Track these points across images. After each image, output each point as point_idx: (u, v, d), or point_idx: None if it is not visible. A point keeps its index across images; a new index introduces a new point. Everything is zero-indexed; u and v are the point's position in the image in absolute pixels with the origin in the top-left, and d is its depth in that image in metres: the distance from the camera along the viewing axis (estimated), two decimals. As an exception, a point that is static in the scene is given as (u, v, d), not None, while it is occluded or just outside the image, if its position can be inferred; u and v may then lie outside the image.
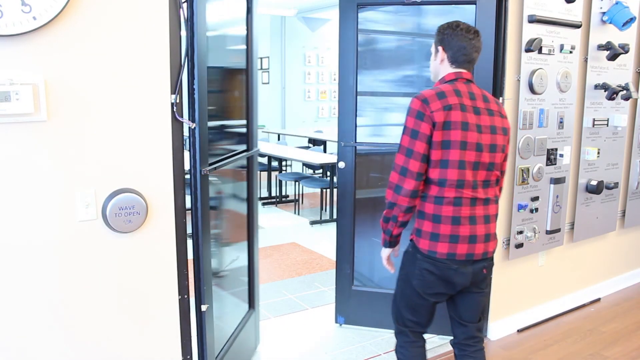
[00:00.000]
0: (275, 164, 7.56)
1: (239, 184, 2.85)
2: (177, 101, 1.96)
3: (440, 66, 2.07)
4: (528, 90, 3.03)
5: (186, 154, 2.07)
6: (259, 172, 7.94)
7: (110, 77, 1.82)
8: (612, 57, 3.39)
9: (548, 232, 3.30)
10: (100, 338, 1.93)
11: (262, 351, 3.07)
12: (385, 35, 3.41)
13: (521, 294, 3.37)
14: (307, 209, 6.86)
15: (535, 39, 2.95)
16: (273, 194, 7.30)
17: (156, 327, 2.05)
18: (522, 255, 3.24)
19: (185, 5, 1.96)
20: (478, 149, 1.94)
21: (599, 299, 3.87)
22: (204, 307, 2.22)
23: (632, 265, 4.16)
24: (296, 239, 5.39)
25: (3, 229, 1.71)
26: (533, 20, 2.93)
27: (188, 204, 2.11)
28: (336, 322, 3.41)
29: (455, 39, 2.00)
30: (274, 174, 7.37)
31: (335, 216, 6.11)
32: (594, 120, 3.47)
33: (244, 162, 2.81)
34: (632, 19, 3.26)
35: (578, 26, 3.17)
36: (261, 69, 10.76)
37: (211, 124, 2.25)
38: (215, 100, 2.45)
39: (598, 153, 3.49)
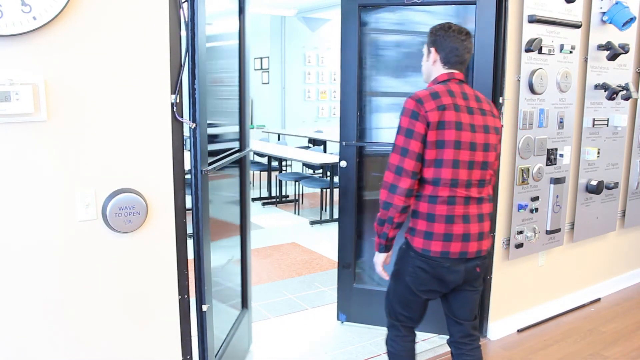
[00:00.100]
0: (275, 164, 7.56)
1: (233, 184, 2.85)
2: (177, 101, 1.97)
3: (432, 67, 2.10)
4: (528, 90, 3.03)
5: (186, 154, 2.07)
6: (259, 172, 7.98)
7: (111, 77, 1.82)
8: (612, 57, 3.39)
9: (548, 232, 3.30)
10: (100, 338, 1.94)
11: (255, 350, 3.07)
12: (388, 35, 3.41)
13: (521, 294, 3.37)
14: (307, 209, 6.86)
15: (535, 39, 2.95)
16: (273, 194, 7.30)
17: (156, 327, 2.06)
18: (522, 255, 3.24)
19: (185, 5, 1.96)
20: (472, 148, 1.97)
21: (599, 299, 3.87)
22: (204, 307, 2.22)
23: (632, 265, 4.16)
24: (296, 239, 5.39)
25: (3, 229, 1.71)
26: (533, 20, 2.93)
27: (187, 204, 2.11)
28: (338, 319, 3.43)
29: (447, 41, 2.03)
30: (274, 174, 7.37)
31: (335, 216, 6.14)
32: (594, 120, 3.47)
33: (237, 161, 2.82)
34: (632, 19, 3.26)
35: (578, 26, 3.17)
36: (261, 69, 10.76)
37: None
38: (210, 100, 2.45)
39: (598, 153, 3.49)
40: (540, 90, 3.06)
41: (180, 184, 2.02)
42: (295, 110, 10.80)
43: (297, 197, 6.92)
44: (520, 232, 3.17)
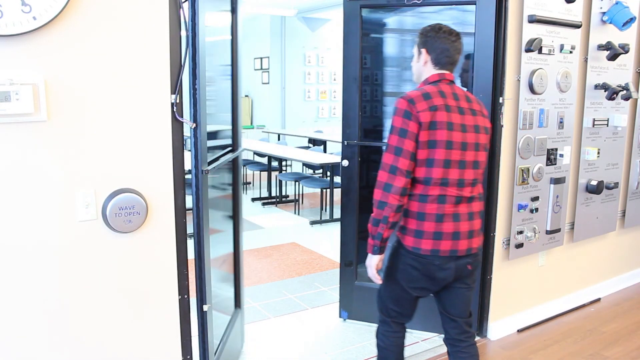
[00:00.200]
0: (275, 164, 7.56)
1: (226, 185, 2.85)
2: (177, 101, 1.97)
3: (423, 68, 2.12)
4: (528, 90, 3.03)
5: (186, 154, 2.07)
6: (259, 172, 7.97)
7: (111, 77, 1.82)
8: (612, 57, 3.39)
9: (548, 232, 3.30)
10: (100, 338, 1.94)
11: (255, 350, 3.07)
12: (390, 35, 3.42)
13: (521, 294, 3.37)
14: (307, 209, 6.86)
15: (535, 39, 2.95)
16: (273, 194, 7.30)
17: (156, 327, 2.06)
18: (522, 255, 3.24)
19: (185, 5, 1.96)
20: (463, 147, 2.00)
21: (599, 299, 3.87)
22: (205, 307, 2.22)
23: (632, 265, 4.16)
24: (296, 239, 5.39)
25: (3, 229, 1.71)
26: (533, 20, 2.93)
27: (187, 204, 2.11)
28: (340, 317, 3.46)
29: (438, 42, 2.06)
30: (274, 174, 7.37)
31: (335, 216, 6.15)
32: (594, 120, 3.47)
33: (230, 161, 2.82)
34: (632, 19, 3.26)
35: (578, 26, 3.17)
36: (261, 69, 10.76)
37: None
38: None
39: (598, 153, 3.49)
40: (540, 90, 3.06)
41: (180, 184, 2.02)
42: (295, 110, 10.80)
43: (297, 197, 6.92)
44: (520, 232, 3.17)
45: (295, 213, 6.59)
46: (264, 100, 10.85)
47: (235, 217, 2.90)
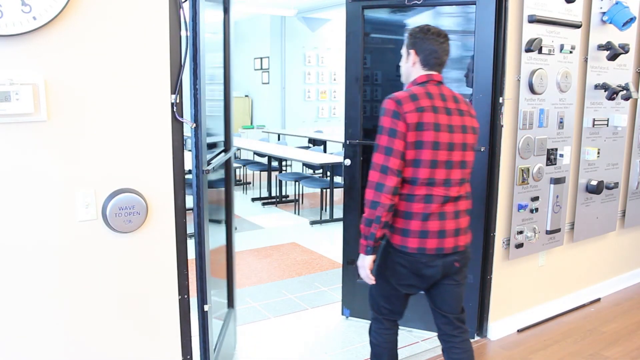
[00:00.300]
0: (275, 164, 7.56)
1: (219, 185, 2.86)
2: (177, 101, 1.97)
3: (412, 69, 2.14)
4: (528, 90, 3.03)
5: (186, 154, 2.07)
6: (259, 172, 7.97)
7: (111, 77, 1.82)
8: (612, 57, 3.39)
9: (548, 232, 3.30)
10: (100, 338, 1.94)
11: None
12: (392, 35, 3.42)
13: (521, 294, 3.37)
14: (307, 209, 6.86)
15: (535, 39, 2.95)
16: (273, 194, 7.30)
17: (156, 327, 2.06)
18: (522, 255, 3.24)
19: (185, 5, 1.96)
20: (450, 148, 2.03)
21: (599, 299, 3.87)
22: (206, 307, 2.21)
23: (632, 265, 4.16)
24: (296, 239, 5.39)
25: (3, 229, 1.71)
26: (533, 20, 2.93)
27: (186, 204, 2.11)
28: (342, 314, 3.49)
29: (427, 43, 2.09)
30: (274, 174, 7.37)
31: (335, 216, 6.15)
32: (594, 120, 3.47)
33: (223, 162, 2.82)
34: (632, 19, 3.26)
35: (578, 26, 3.17)
36: (261, 69, 10.76)
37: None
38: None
39: (598, 153, 3.49)
40: (540, 90, 3.06)
41: (180, 184, 2.02)
42: (295, 110, 10.81)
43: (297, 197, 6.92)
44: (520, 232, 3.17)
45: (295, 213, 6.59)
46: (264, 100, 10.85)
47: (227, 217, 2.90)
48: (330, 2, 9.04)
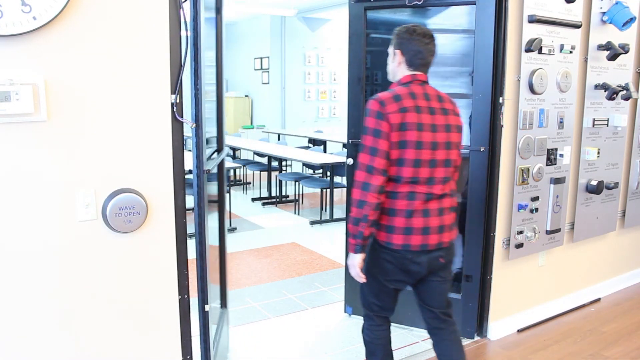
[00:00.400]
0: (275, 164, 7.56)
1: (212, 185, 2.86)
2: (177, 101, 1.97)
3: (397, 68, 2.18)
4: (528, 90, 3.03)
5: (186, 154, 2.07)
6: (259, 172, 7.98)
7: (111, 77, 1.82)
8: (612, 57, 3.39)
9: (548, 232, 3.30)
10: (100, 338, 1.94)
11: (255, 350, 3.07)
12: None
13: (521, 294, 3.37)
14: (307, 209, 6.86)
15: (535, 39, 2.95)
16: (273, 194, 7.30)
17: (156, 327, 2.06)
18: (522, 255, 3.24)
19: (185, 5, 1.96)
20: (433, 147, 2.06)
21: (599, 299, 3.87)
22: (207, 307, 2.22)
23: (632, 265, 4.16)
24: (296, 239, 5.39)
25: (3, 229, 1.71)
26: (533, 20, 2.93)
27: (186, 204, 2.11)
28: (345, 312, 3.53)
29: (412, 44, 2.11)
30: (274, 174, 7.37)
31: (335, 216, 6.15)
32: (594, 120, 3.47)
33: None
34: (632, 19, 3.26)
35: (578, 26, 3.17)
36: (261, 69, 10.76)
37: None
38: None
39: (598, 153, 3.49)
40: (540, 90, 3.06)
41: (180, 184, 2.02)
42: (295, 110, 10.81)
43: (297, 197, 6.92)
44: (520, 232, 3.17)
45: (295, 213, 6.59)
46: (264, 100, 10.85)
47: (220, 217, 2.90)
48: (330, 2, 9.04)
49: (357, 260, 2.14)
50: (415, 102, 2.05)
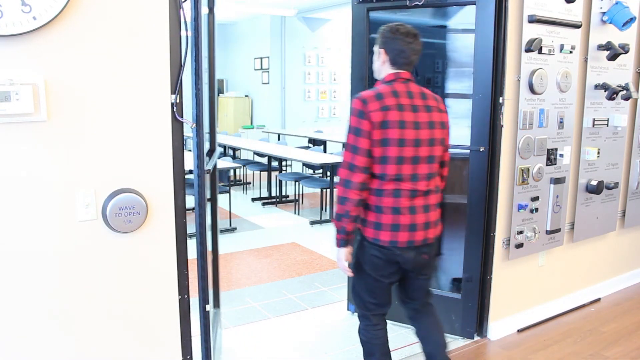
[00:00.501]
0: (275, 164, 7.56)
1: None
2: (177, 101, 1.97)
3: (382, 67, 2.21)
4: (528, 90, 3.03)
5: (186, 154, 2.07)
6: (259, 172, 7.98)
7: (111, 77, 1.82)
8: (612, 57, 3.39)
9: (548, 232, 3.30)
10: (99, 338, 1.94)
11: (255, 350, 3.07)
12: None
13: (521, 294, 3.37)
14: (307, 209, 6.86)
15: (535, 39, 2.95)
16: (273, 194, 7.30)
17: (156, 327, 2.06)
18: (522, 255, 3.24)
19: (185, 5, 1.96)
20: (416, 144, 2.09)
21: (599, 299, 3.87)
22: (208, 307, 2.22)
23: (632, 265, 4.16)
24: (296, 239, 5.39)
25: (3, 229, 1.71)
26: (533, 20, 2.93)
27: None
28: (347, 309, 3.57)
29: (395, 42, 2.14)
30: (274, 174, 7.37)
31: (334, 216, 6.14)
32: (594, 120, 3.47)
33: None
34: (632, 19, 3.26)
35: (578, 26, 3.17)
36: (261, 69, 10.76)
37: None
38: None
39: (598, 153, 3.49)
40: (540, 90, 3.06)
41: (180, 184, 2.02)
42: (295, 110, 10.81)
43: (297, 197, 6.92)
44: (520, 232, 3.17)
45: (295, 213, 6.59)
46: (264, 100, 10.85)
47: (212, 218, 2.90)
48: (330, 2, 9.04)
49: (342, 253, 2.21)
50: (397, 100, 2.07)
